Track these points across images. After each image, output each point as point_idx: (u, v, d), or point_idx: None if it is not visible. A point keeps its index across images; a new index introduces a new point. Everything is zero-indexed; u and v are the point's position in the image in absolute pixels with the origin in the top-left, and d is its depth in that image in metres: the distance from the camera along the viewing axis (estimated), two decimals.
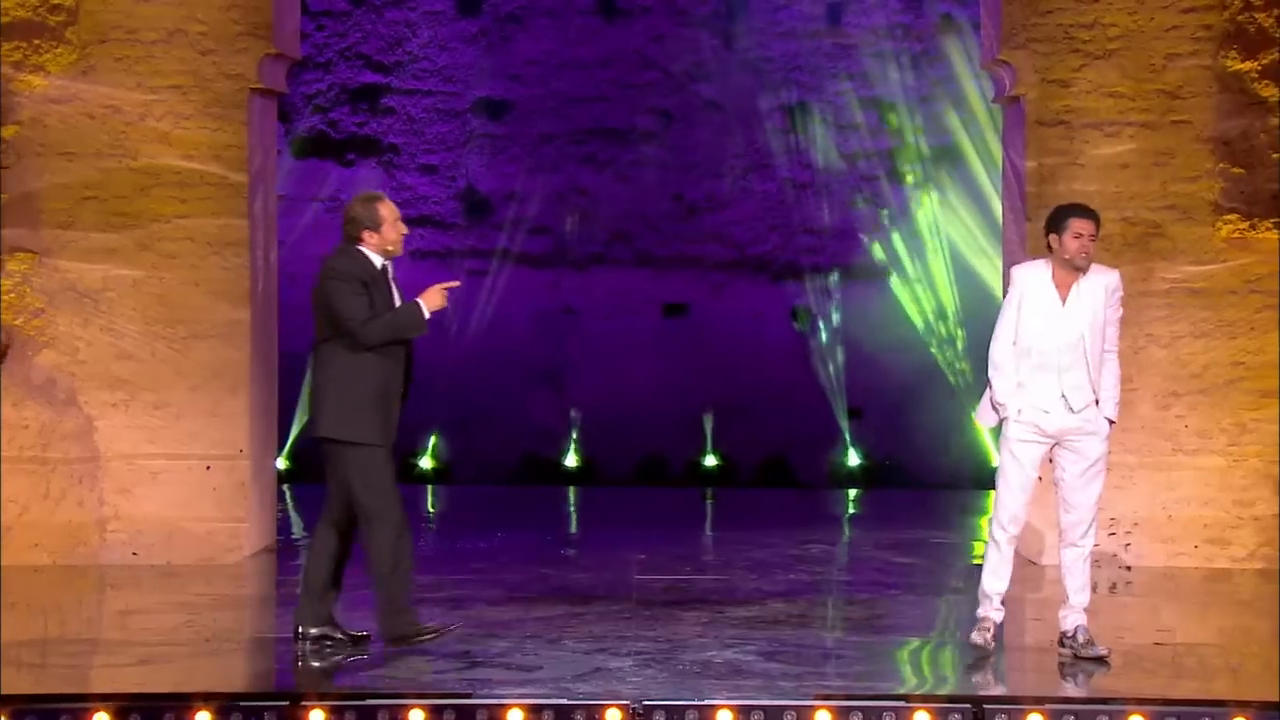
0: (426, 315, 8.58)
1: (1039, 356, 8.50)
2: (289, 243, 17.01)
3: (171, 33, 11.54)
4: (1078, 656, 8.58)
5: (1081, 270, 8.51)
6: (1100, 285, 8.52)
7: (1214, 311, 11.48)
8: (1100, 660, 8.52)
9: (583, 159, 17.91)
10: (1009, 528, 8.62)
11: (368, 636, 8.82)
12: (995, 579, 8.67)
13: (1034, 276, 8.56)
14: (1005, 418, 8.56)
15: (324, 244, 17.59)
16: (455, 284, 8.65)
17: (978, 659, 8.61)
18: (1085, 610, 8.67)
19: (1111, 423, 8.57)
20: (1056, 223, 8.55)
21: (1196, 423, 11.46)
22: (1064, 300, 8.50)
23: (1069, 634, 8.67)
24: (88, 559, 11.38)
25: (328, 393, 8.59)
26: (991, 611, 8.71)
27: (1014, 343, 8.54)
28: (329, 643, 8.74)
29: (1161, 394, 11.49)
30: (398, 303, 8.69)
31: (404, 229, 8.78)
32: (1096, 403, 8.52)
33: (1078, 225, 8.47)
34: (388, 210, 8.72)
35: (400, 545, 8.57)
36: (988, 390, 8.65)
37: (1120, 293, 8.58)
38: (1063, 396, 8.49)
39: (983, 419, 8.77)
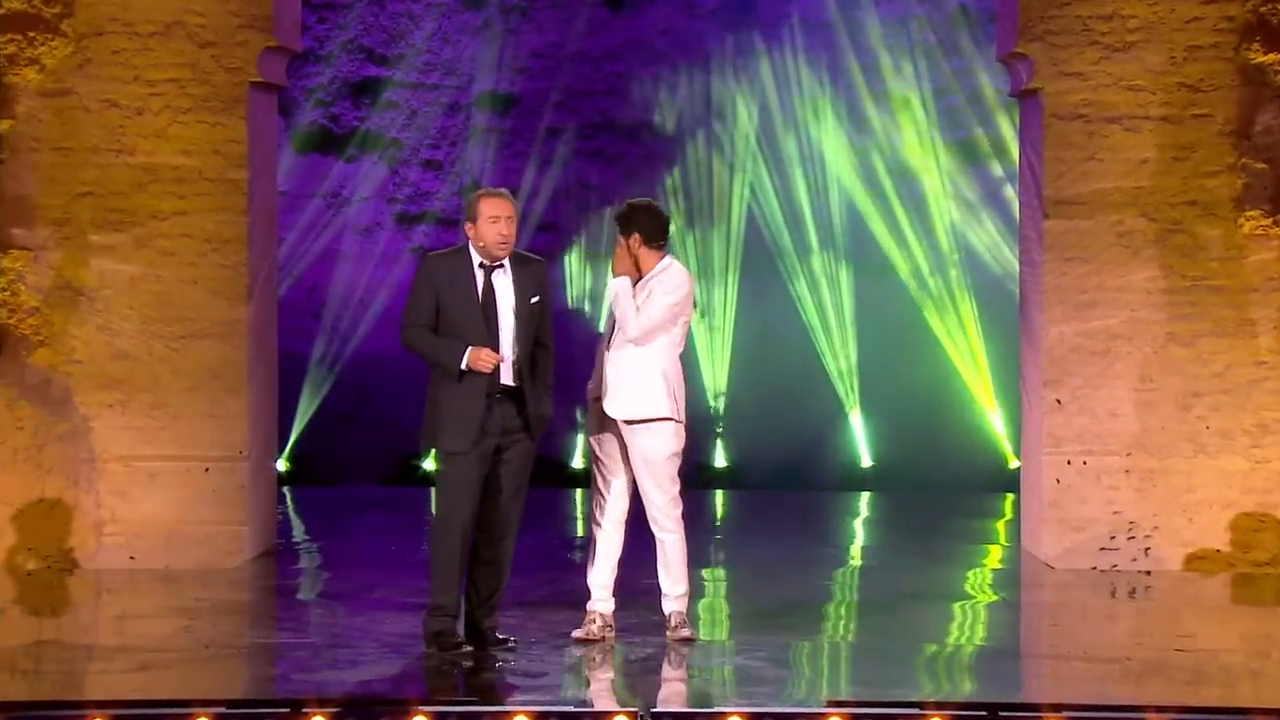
0: (462, 367, 8.36)
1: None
2: (289, 240, 16.90)
3: (169, 25, 11.40)
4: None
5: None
6: None
7: (1236, 309, 11.33)
8: (687, 641, 8.71)
9: (590, 154, 17.77)
10: (602, 521, 8.88)
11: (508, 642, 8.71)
12: (596, 571, 8.87)
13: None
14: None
15: (325, 241, 17.78)
16: (501, 359, 8.38)
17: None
18: (679, 598, 8.85)
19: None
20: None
21: (1218, 423, 11.31)
22: (638, 304, 8.78)
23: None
24: (84, 562, 11.25)
25: (427, 398, 8.55)
26: (596, 605, 8.88)
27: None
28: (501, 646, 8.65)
29: (1183, 394, 11.34)
30: (499, 308, 8.43)
31: (504, 232, 8.39)
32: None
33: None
34: (488, 206, 8.42)
35: (448, 550, 8.41)
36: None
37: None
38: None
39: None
